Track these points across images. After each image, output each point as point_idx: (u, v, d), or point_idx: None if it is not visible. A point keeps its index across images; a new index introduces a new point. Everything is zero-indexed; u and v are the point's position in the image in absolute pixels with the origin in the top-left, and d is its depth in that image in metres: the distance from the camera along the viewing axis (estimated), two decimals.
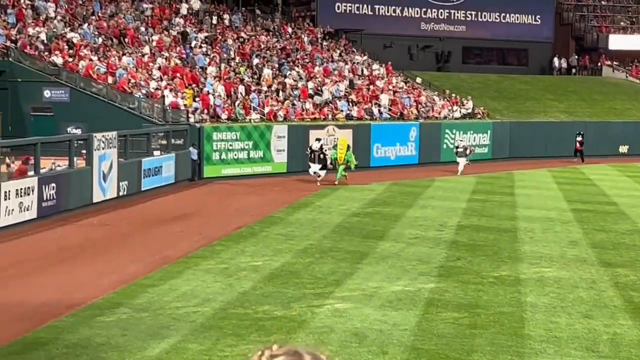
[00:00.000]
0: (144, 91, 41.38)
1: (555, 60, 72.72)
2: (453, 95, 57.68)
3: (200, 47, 49.62)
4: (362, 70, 56.86)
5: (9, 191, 25.78)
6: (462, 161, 45.56)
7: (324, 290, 18.93)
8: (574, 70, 73.52)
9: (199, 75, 45.66)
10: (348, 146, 39.74)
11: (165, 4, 54.98)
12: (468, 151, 46.25)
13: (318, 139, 40.45)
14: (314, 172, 39.25)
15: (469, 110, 56.02)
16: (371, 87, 53.89)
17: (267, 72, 49.45)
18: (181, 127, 39.98)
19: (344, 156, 39.05)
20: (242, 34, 55.07)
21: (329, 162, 39.46)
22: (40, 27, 43.40)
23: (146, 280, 19.54)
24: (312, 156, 39.58)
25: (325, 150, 39.98)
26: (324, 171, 39.14)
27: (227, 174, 40.76)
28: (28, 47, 40.96)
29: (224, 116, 42.52)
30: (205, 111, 42.36)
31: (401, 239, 25.77)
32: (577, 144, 53.51)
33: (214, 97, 43.54)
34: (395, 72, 59.08)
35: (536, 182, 43.16)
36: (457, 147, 46.83)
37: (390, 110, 51.48)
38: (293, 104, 46.71)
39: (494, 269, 21.55)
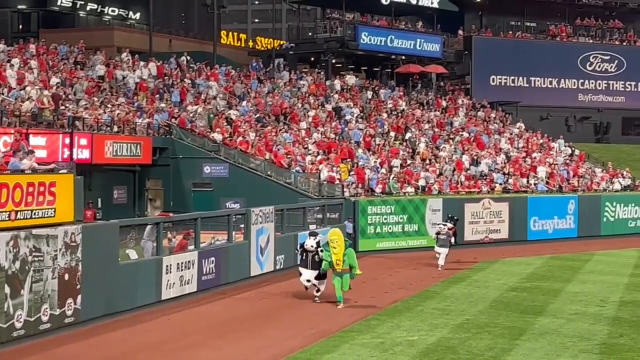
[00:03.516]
0: (299, 166, 42.04)
1: None
2: (610, 167, 56.36)
3: (356, 121, 50.19)
4: (519, 143, 56.30)
5: (170, 265, 26.46)
6: (443, 252, 35.27)
7: None
8: None
9: (354, 149, 46.12)
10: (346, 242, 26.90)
11: (320, 80, 56.04)
12: (453, 240, 35.99)
13: (313, 234, 27.80)
14: (308, 281, 27.19)
15: (629, 182, 54.55)
16: (528, 159, 53.23)
17: (421, 145, 49.55)
18: (336, 202, 40.36)
19: (342, 257, 26.11)
20: (396, 108, 55.47)
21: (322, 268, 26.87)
22: (202, 104, 44.83)
23: (302, 354, 19.64)
24: (304, 258, 27.27)
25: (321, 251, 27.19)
26: (324, 282, 27.23)
27: (382, 248, 40.82)
28: (189, 124, 42.32)
29: (378, 190, 42.70)
30: (360, 185, 42.66)
31: (561, 314, 25.15)
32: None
33: (369, 171, 43.82)
34: (552, 143, 58.26)
35: None
36: (437, 234, 36.17)
37: (547, 182, 50.65)
38: (447, 177, 46.54)
39: None
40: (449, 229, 36.08)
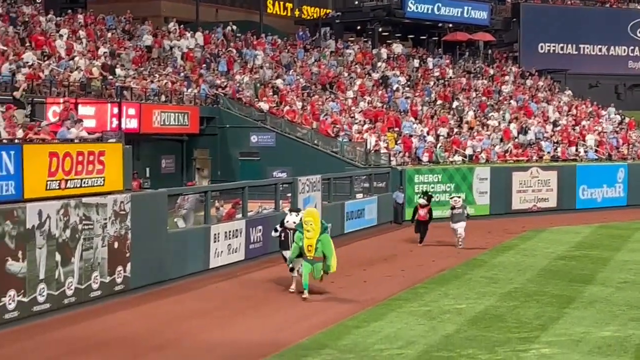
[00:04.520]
0: (346, 135, 41.98)
1: None
2: None
3: (403, 90, 49.96)
4: (567, 110, 55.72)
5: (219, 234, 26.65)
6: (461, 227, 32.67)
7: (530, 334, 18.54)
8: None
9: (401, 118, 45.93)
10: (322, 224, 22.97)
11: (367, 49, 55.83)
12: (466, 212, 33.42)
13: (296, 210, 25.11)
14: (291, 263, 23.67)
15: None
16: (577, 127, 52.69)
17: (469, 113, 49.25)
18: (383, 170, 40.28)
19: (316, 243, 22.48)
20: (444, 77, 55.13)
21: (290, 251, 23.44)
22: (248, 74, 44.88)
23: (351, 322, 19.70)
24: (284, 237, 24.25)
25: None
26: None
27: None
28: (236, 94, 42.40)
29: (425, 158, 42.53)
30: (407, 154, 42.52)
31: (610, 283, 24.98)
32: (419, 211, 34.01)
33: (416, 140, 43.64)
34: (602, 111, 57.61)
35: None
36: (452, 208, 33.18)
37: (597, 150, 50.13)
38: (495, 146, 46.23)
39: None
40: (421, 205, 33.80)
